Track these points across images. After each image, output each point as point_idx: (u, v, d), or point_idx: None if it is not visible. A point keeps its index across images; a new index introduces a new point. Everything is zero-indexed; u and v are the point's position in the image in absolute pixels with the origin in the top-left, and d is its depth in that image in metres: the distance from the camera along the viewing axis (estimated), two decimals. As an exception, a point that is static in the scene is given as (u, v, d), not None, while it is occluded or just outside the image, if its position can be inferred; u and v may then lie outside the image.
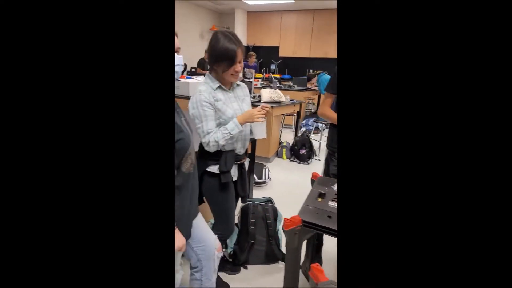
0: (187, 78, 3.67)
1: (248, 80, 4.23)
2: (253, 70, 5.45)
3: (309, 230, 0.91)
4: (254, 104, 1.33)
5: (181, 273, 0.95)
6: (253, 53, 5.33)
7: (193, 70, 5.64)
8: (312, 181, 1.32)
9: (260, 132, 1.24)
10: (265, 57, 6.81)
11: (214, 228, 1.27)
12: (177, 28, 0.70)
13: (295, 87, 5.03)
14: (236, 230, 1.61)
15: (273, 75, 5.92)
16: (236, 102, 1.25)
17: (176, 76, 0.87)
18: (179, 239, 0.86)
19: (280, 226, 1.63)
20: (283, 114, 3.75)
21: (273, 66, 6.89)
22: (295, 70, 6.62)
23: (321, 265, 0.94)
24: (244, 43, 6.98)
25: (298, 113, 3.50)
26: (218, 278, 1.37)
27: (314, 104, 5.62)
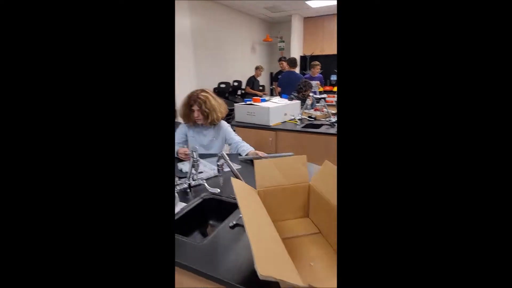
0: (262, 101, 2.86)
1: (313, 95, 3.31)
2: (318, 82, 4.52)
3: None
4: None
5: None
6: (317, 62, 4.40)
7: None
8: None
9: None
10: (326, 67, 5.87)
11: None
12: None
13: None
14: None
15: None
16: None
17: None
18: None
19: None
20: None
21: (333, 77, 5.94)
22: (363, 80, 5.57)
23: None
24: (301, 53, 6.17)
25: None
26: None
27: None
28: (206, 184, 1.21)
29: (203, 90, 1.67)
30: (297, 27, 5.77)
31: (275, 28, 6.46)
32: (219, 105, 1.67)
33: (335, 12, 5.54)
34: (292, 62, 3.99)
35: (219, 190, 1.19)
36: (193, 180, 1.21)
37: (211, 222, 1.20)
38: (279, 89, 4.17)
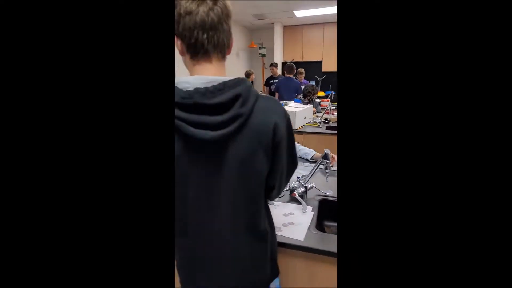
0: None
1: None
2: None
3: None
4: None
5: None
6: (302, 69, 4.74)
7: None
8: None
9: None
10: (306, 73, 6.18)
11: None
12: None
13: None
14: None
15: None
16: None
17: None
18: None
19: None
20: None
21: (313, 82, 6.27)
22: (341, 85, 5.99)
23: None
24: (282, 60, 6.39)
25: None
26: None
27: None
28: (316, 187, 1.24)
29: None
30: (279, 34, 5.97)
31: (256, 35, 6.57)
32: None
33: (316, 21, 5.89)
34: (289, 68, 4.14)
35: (331, 191, 1.23)
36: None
37: (326, 223, 1.23)
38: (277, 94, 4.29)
